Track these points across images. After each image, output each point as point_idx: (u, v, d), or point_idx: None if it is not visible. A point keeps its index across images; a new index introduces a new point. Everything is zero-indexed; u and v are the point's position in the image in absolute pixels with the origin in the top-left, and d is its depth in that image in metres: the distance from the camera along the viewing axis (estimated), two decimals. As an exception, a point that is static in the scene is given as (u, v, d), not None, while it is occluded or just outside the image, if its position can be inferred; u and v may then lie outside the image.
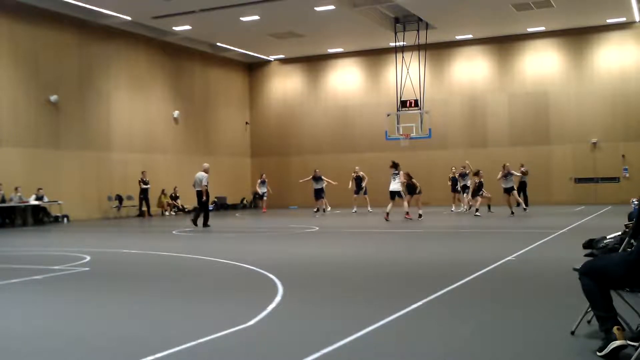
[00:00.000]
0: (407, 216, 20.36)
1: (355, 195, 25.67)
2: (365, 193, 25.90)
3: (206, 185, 18.59)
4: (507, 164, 22.54)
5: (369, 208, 25.69)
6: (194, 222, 18.98)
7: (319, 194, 25.57)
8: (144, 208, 26.53)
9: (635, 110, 27.82)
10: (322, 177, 25.64)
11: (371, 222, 20.62)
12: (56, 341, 5.51)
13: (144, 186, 26.31)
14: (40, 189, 22.52)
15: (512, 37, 29.65)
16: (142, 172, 26.38)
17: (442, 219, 20.74)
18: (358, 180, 25.66)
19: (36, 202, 22.37)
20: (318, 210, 25.50)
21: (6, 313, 6.80)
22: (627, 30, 28.14)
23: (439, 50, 30.17)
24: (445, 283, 7.64)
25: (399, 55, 27.84)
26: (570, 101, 28.97)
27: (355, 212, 25.26)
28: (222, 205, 31.27)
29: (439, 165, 29.47)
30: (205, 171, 18.82)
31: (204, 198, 18.66)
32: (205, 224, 18.71)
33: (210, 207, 30.42)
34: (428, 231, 16.37)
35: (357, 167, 26.17)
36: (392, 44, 28.67)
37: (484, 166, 29.03)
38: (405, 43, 27.69)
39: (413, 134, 26.33)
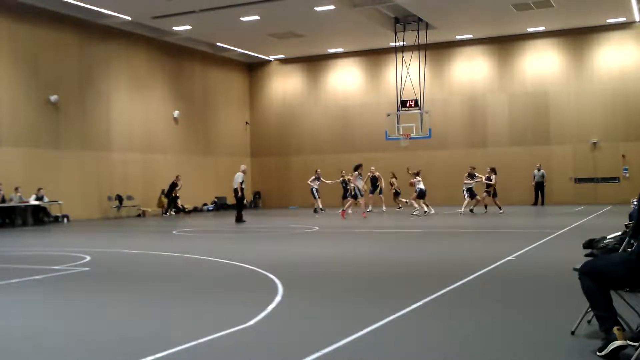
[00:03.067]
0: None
1: (370, 195, 25.83)
2: (380, 193, 26.12)
3: (240, 183, 20.60)
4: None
5: (383, 208, 26.07)
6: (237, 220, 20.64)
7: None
8: (180, 205, 27.92)
9: (635, 110, 27.82)
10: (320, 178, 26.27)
11: (371, 222, 20.62)
12: (56, 341, 5.51)
13: (176, 188, 27.46)
14: (41, 189, 22.51)
15: (512, 37, 29.65)
16: (177, 176, 27.51)
17: (441, 219, 20.74)
18: (374, 180, 25.84)
19: (36, 202, 22.36)
20: (316, 210, 25.88)
21: (6, 313, 6.80)
22: (627, 30, 28.13)
23: (439, 50, 30.16)
24: (445, 283, 7.64)
25: (399, 55, 27.84)
26: (570, 101, 28.97)
27: (370, 211, 25.24)
28: (222, 205, 31.27)
29: (439, 165, 29.51)
30: (243, 172, 21.04)
31: (239, 194, 20.63)
32: (238, 220, 20.48)
33: (210, 207, 30.65)
34: (428, 231, 16.37)
35: (372, 167, 26.22)
36: (392, 44, 28.67)
37: (484, 166, 29.04)
38: (405, 43, 27.69)
39: (413, 134, 26.35)
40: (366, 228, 18.38)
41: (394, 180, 26.75)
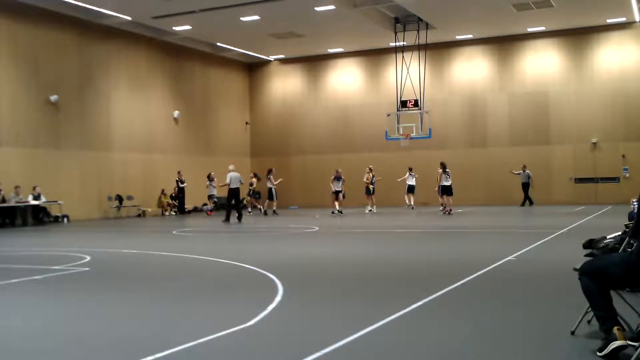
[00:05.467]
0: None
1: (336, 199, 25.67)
2: (343, 197, 25.51)
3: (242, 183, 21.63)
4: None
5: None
6: (233, 219, 20.87)
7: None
8: (186, 206, 28.24)
9: (635, 110, 27.82)
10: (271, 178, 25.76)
11: (371, 222, 20.62)
12: (56, 341, 5.51)
13: (182, 185, 27.53)
14: (36, 186, 22.38)
15: (512, 37, 29.65)
16: (179, 172, 27.57)
17: (441, 219, 20.73)
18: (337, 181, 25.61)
19: (35, 202, 22.33)
20: (267, 212, 25.75)
21: (6, 313, 6.80)
22: (627, 30, 28.13)
23: (439, 50, 30.16)
24: (445, 283, 7.64)
25: (399, 55, 27.84)
26: (570, 101, 28.96)
27: (334, 213, 24.46)
28: (222, 205, 31.19)
29: (439, 165, 29.47)
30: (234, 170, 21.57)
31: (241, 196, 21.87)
32: (239, 219, 21.06)
33: (210, 207, 30.64)
34: (428, 231, 16.37)
35: (339, 170, 25.80)
36: (392, 44, 28.68)
37: (484, 166, 29.05)
38: (405, 43, 27.69)
39: (413, 134, 26.33)
40: (366, 228, 18.38)
41: (254, 180, 26.33)
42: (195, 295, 7.56)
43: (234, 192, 21.13)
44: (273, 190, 25.50)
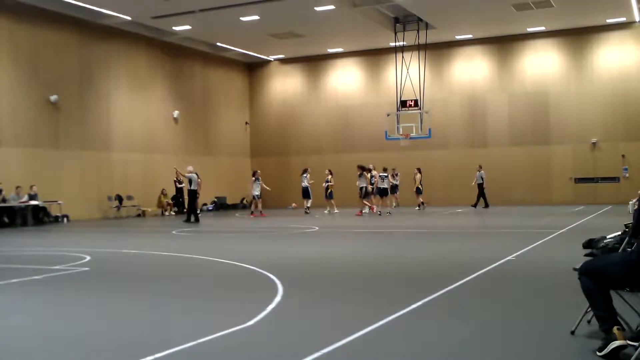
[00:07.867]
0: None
1: (329, 200, 25.87)
2: (330, 197, 25.83)
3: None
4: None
5: (335, 210, 25.80)
6: (191, 220, 21.19)
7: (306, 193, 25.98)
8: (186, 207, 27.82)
9: (635, 110, 27.82)
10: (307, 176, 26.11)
11: (371, 222, 20.62)
12: (56, 341, 5.51)
13: (180, 185, 27.29)
14: (33, 186, 22.30)
15: (512, 37, 29.65)
16: (176, 172, 26.74)
17: (442, 219, 20.74)
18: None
19: (35, 202, 22.28)
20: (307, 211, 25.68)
21: (6, 313, 6.80)
22: (627, 30, 28.13)
23: (439, 50, 30.16)
24: (445, 283, 7.64)
25: (399, 55, 27.84)
26: (570, 101, 28.97)
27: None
28: (222, 205, 31.28)
29: (439, 165, 29.50)
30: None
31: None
32: (189, 220, 21.33)
33: (210, 207, 30.66)
34: (428, 231, 16.38)
35: (326, 171, 26.23)
36: (392, 44, 28.68)
37: (484, 166, 29.02)
38: (405, 43, 27.69)
39: (413, 134, 26.35)
40: (366, 228, 18.38)
41: (199, 181, 25.75)
42: (195, 295, 7.56)
43: (194, 193, 21.40)
44: (309, 189, 25.93)
